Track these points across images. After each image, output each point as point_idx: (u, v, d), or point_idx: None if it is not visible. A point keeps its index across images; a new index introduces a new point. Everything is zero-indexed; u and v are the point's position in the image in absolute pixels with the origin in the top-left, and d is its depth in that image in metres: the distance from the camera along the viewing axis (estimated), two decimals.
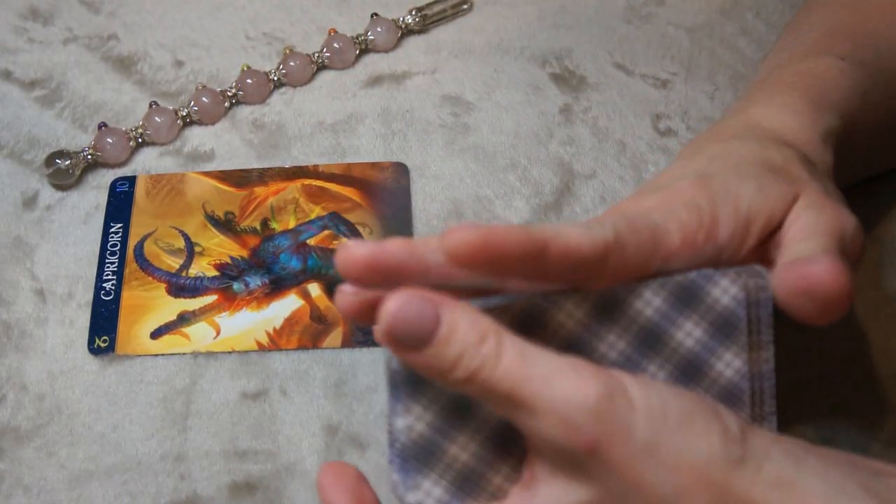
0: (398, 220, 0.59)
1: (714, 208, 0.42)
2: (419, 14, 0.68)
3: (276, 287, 0.57)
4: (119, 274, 0.57)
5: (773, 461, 0.36)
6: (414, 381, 0.35)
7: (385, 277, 0.36)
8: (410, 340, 0.34)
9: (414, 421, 0.35)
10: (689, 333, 0.39)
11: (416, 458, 0.35)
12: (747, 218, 0.42)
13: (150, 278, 0.57)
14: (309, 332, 0.55)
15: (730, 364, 0.40)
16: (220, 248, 0.58)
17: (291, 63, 0.65)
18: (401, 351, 0.35)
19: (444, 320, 0.35)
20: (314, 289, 0.56)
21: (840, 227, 0.42)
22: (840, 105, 0.50)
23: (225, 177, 0.61)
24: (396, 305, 0.35)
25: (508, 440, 0.37)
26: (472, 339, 0.35)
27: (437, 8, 0.68)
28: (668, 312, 0.39)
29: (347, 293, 0.39)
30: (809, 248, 0.41)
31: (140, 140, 0.63)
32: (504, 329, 0.36)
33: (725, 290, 0.40)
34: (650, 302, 0.39)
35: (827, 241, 0.41)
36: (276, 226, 0.59)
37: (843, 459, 0.38)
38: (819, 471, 0.37)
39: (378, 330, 0.35)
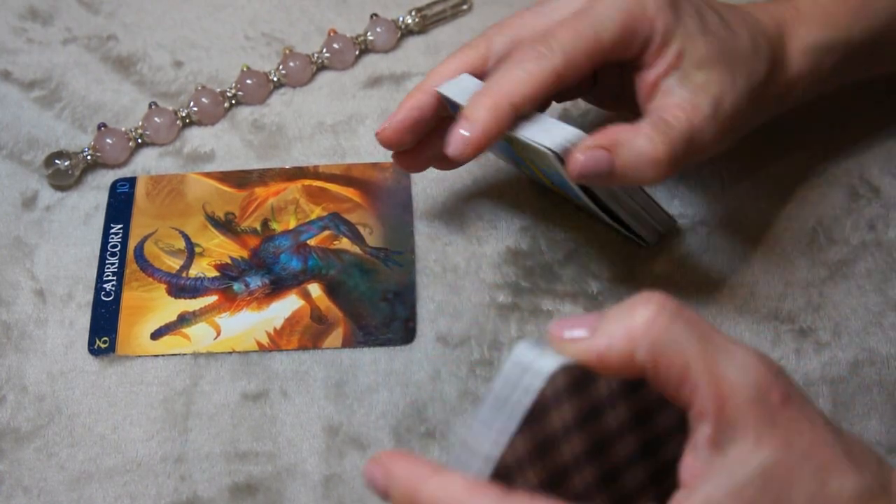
0: (399, 220, 0.59)
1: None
2: (419, 14, 0.68)
3: (277, 287, 0.56)
4: (119, 275, 0.57)
5: None
6: (534, 417, 0.38)
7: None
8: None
9: (509, 450, 0.38)
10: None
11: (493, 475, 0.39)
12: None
13: (150, 279, 0.57)
14: (309, 333, 0.55)
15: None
16: (221, 248, 0.58)
17: (291, 63, 0.65)
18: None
19: None
20: (314, 289, 0.56)
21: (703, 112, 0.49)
22: None
23: (225, 177, 0.61)
24: None
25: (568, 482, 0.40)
26: None
27: (436, 8, 0.68)
28: None
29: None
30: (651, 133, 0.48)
31: (140, 140, 0.63)
32: None
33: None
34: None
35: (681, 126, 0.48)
36: (277, 226, 0.59)
37: None
38: None
39: None
